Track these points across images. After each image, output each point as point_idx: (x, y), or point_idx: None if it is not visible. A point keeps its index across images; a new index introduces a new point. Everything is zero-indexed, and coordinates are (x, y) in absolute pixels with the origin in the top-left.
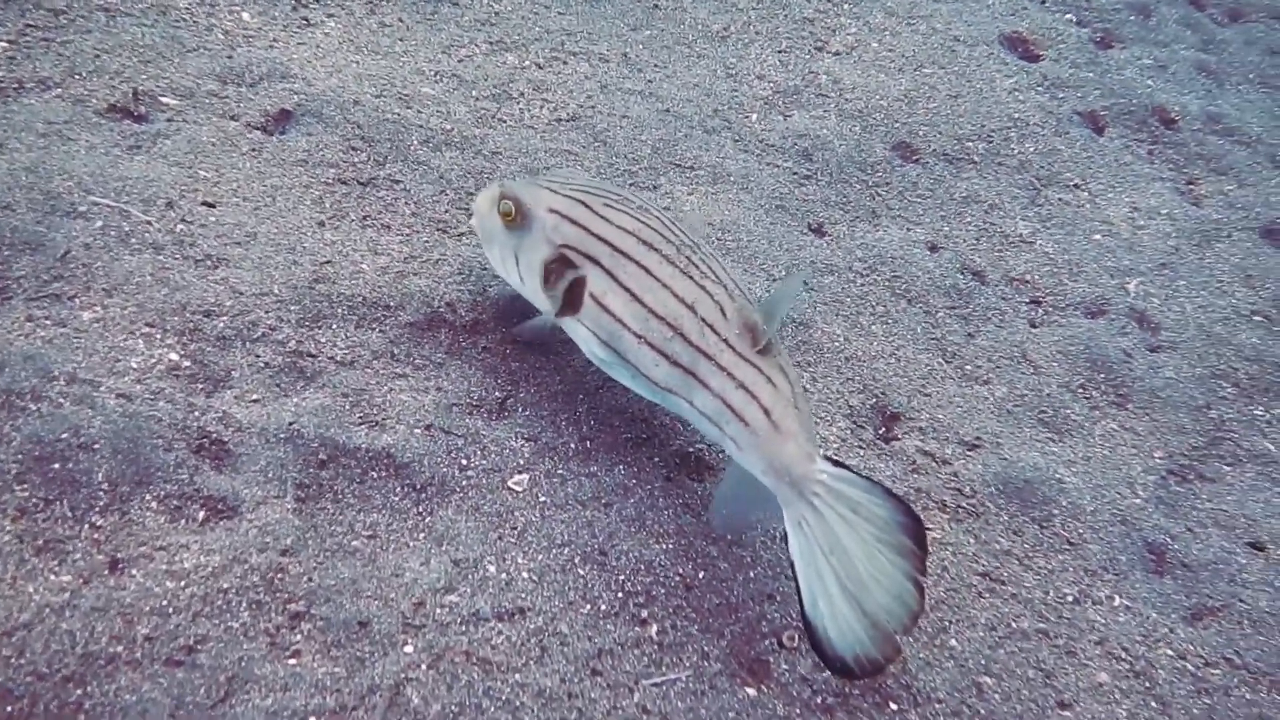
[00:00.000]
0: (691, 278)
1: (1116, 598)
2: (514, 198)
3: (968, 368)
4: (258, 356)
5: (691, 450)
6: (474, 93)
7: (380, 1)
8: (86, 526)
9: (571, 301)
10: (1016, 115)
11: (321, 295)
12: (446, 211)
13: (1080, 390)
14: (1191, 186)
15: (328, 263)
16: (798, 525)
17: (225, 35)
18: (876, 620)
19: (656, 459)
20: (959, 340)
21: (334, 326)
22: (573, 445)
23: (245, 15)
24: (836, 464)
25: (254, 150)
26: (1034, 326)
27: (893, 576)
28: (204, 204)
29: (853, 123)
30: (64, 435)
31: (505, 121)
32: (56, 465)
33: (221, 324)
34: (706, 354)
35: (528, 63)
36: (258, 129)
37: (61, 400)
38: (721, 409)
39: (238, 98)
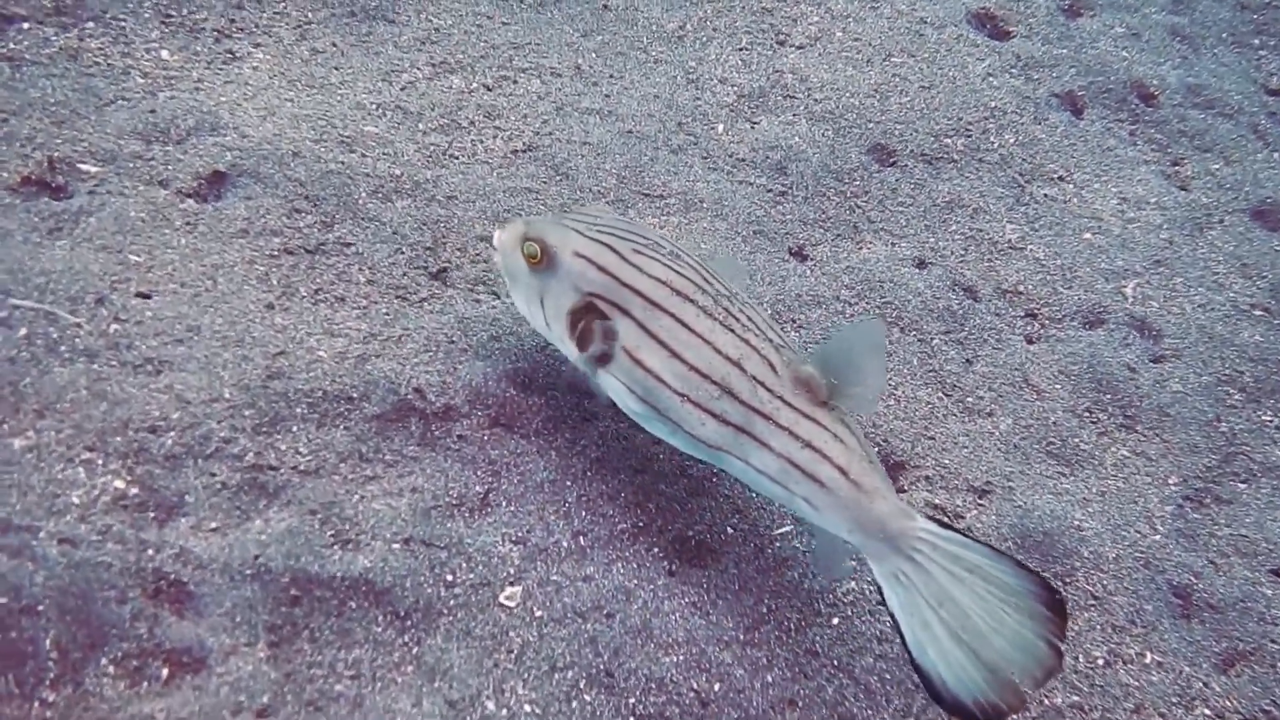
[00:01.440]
0: (733, 331)
1: (1148, 654)
2: (539, 239)
3: (969, 400)
4: (213, 476)
5: (691, 534)
6: (420, 125)
7: (310, 25)
8: (36, 704)
9: (606, 352)
10: (993, 104)
11: (277, 394)
12: (404, 275)
13: (1087, 415)
14: (1177, 168)
15: (281, 354)
16: (894, 578)
17: (145, 79)
18: (997, 669)
19: (656, 549)
20: (957, 369)
21: (294, 429)
22: (565, 544)
23: (164, 53)
24: (944, 525)
25: (188, 224)
26: (1031, 343)
27: (1019, 634)
28: (138, 295)
29: (824, 126)
30: (2, 600)
31: (457, 158)
32: None
33: (170, 441)
34: (761, 412)
35: (475, 84)
36: (190, 196)
37: None
38: (786, 469)
39: (165, 159)
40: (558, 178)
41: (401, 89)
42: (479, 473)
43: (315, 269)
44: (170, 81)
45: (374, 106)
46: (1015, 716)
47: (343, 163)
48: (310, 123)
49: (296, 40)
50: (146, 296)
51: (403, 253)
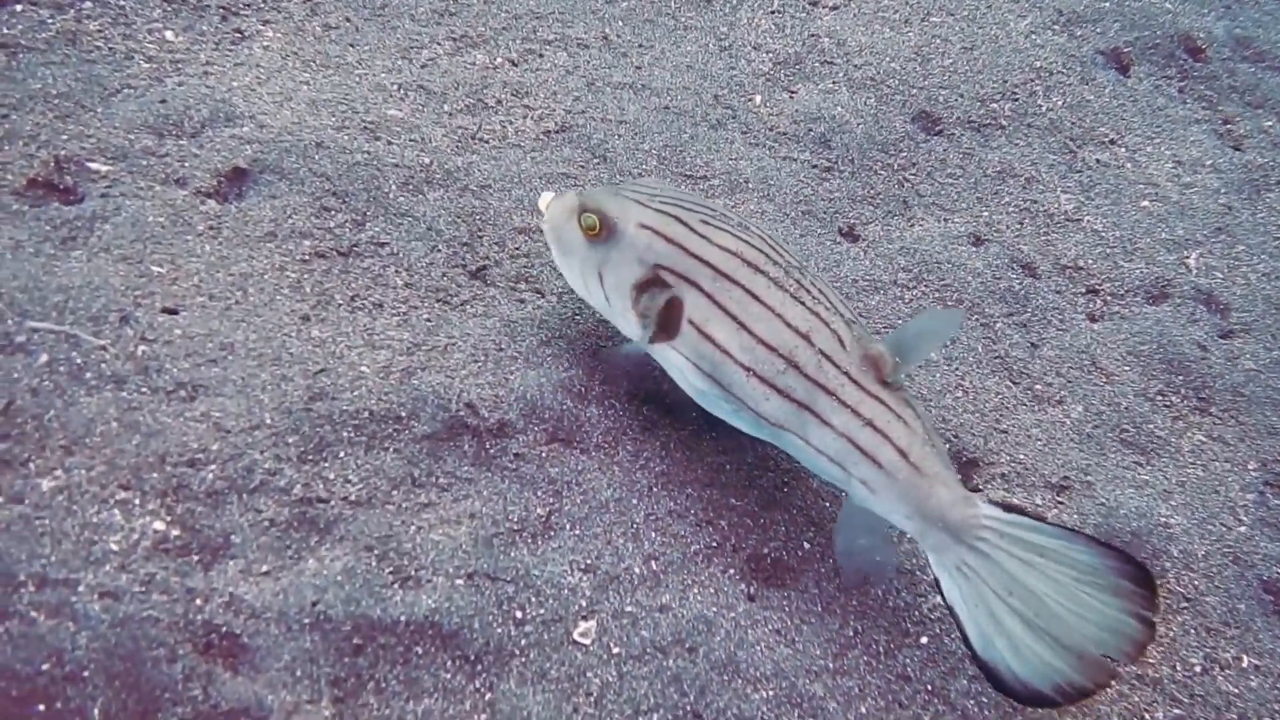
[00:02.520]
0: (804, 303)
1: (1244, 658)
2: (599, 210)
3: (1038, 388)
4: (259, 512)
5: (767, 551)
6: (446, 107)
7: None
8: None
9: (666, 326)
10: (1038, 64)
11: (321, 416)
12: (443, 275)
13: (1160, 398)
14: (1229, 127)
15: (321, 371)
16: (955, 570)
17: (150, 64)
18: (1081, 651)
19: (732, 571)
20: (1024, 355)
21: (341, 455)
22: (637, 569)
23: (169, 34)
24: (1010, 508)
25: (212, 228)
26: (1094, 321)
27: (1104, 613)
28: (165, 311)
29: (866, 94)
30: (44, 666)
31: (487, 141)
32: (41, 708)
33: (210, 475)
34: (826, 388)
35: (499, 60)
36: (211, 196)
37: (34, 614)
38: (846, 449)
39: (180, 155)
40: (595, 160)
41: (422, 67)
42: (539, 493)
43: (349, 273)
44: (177, 66)
45: (395, 87)
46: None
47: (369, 152)
48: (330, 108)
49: (307, 16)
50: (174, 312)
51: (439, 250)
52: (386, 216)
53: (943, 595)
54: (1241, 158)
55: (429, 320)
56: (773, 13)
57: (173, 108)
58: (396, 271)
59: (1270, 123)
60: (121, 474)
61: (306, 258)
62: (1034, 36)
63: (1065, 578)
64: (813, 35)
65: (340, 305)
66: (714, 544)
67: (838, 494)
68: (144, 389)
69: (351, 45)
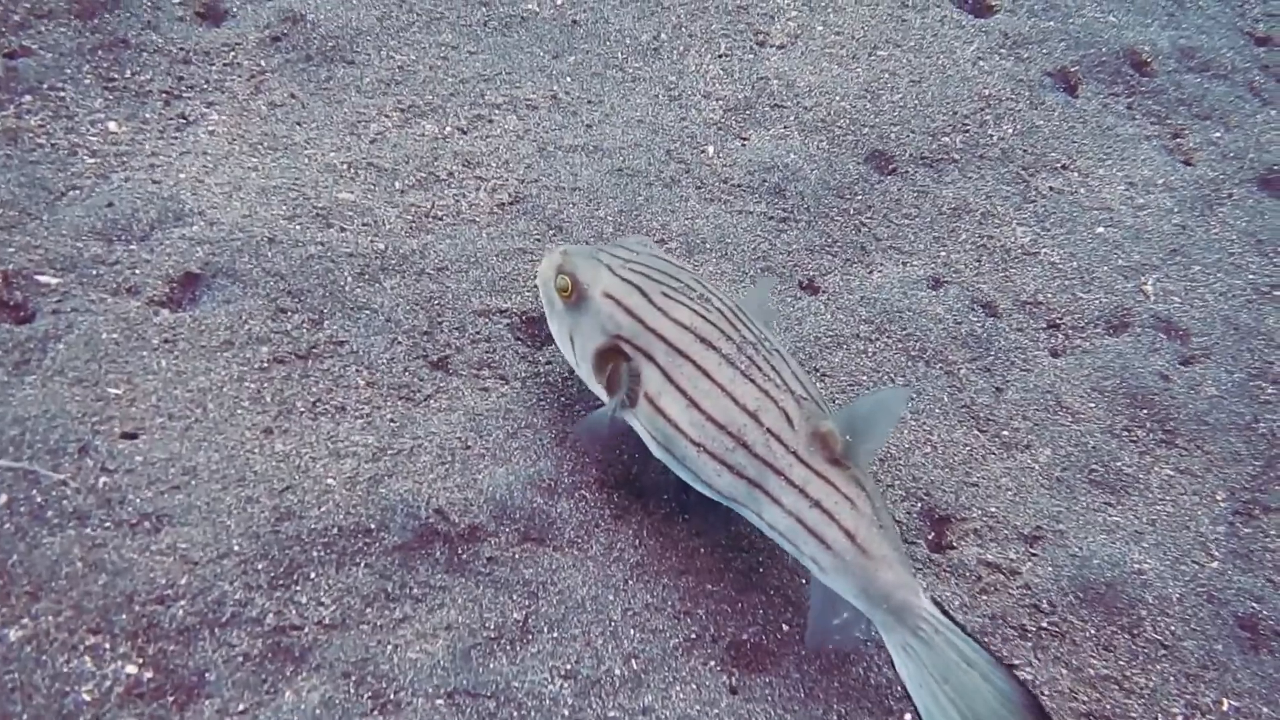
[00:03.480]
0: (754, 381)
1: (1224, 700)
2: (571, 274)
3: (1005, 434)
4: (233, 647)
5: (746, 637)
6: (398, 184)
7: (264, 75)
8: None
9: (629, 394)
10: (987, 92)
11: (289, 538)
12: (404, 370)
13: (1125, 433)
14: (1179, 140)
15: (287, 489)
16: (903, 649)
17: (95, 159)
18: None
19: (713, 662)
20: (989, 400)
21: (312, 576)
22: (617, 671)
23: (112, 124)
24: (946, 613)
25: (167, 340)
26: (1056, 356)
27: None
28: (124, 436)
29: (818, 137)
30: None
31: (441, 219)
32: None
33: (181, 611)
34: (774, 468)
35: (449, 129)
36: (164, 305)
37: None
38: (796, 528)
39: (131, 261)
40: (551, 231)
41: (371, 142)
42: (515, 597)
43: (309, 377)
44: (123, 159)
45: (345, 167)
46: None
47: (322, 243)
48: (280, 195)
49: (252, 94)
50: (133, 436)
51: (399, 343)
52: (344, 312)
53: (896, 666)
54: (1193, 173)
55: (393, 420)
56: (720, 56)
57: (120, 210)
58: (358, 370)
59: (1219, 134)
60: (90, 617)
61: (265, 365)
62: (981, 63)
63: (985, 692)
64: (762, 78)
65: (302, 413)
66: (693, 635)
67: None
68: (108, 523)
69: (298, 124)
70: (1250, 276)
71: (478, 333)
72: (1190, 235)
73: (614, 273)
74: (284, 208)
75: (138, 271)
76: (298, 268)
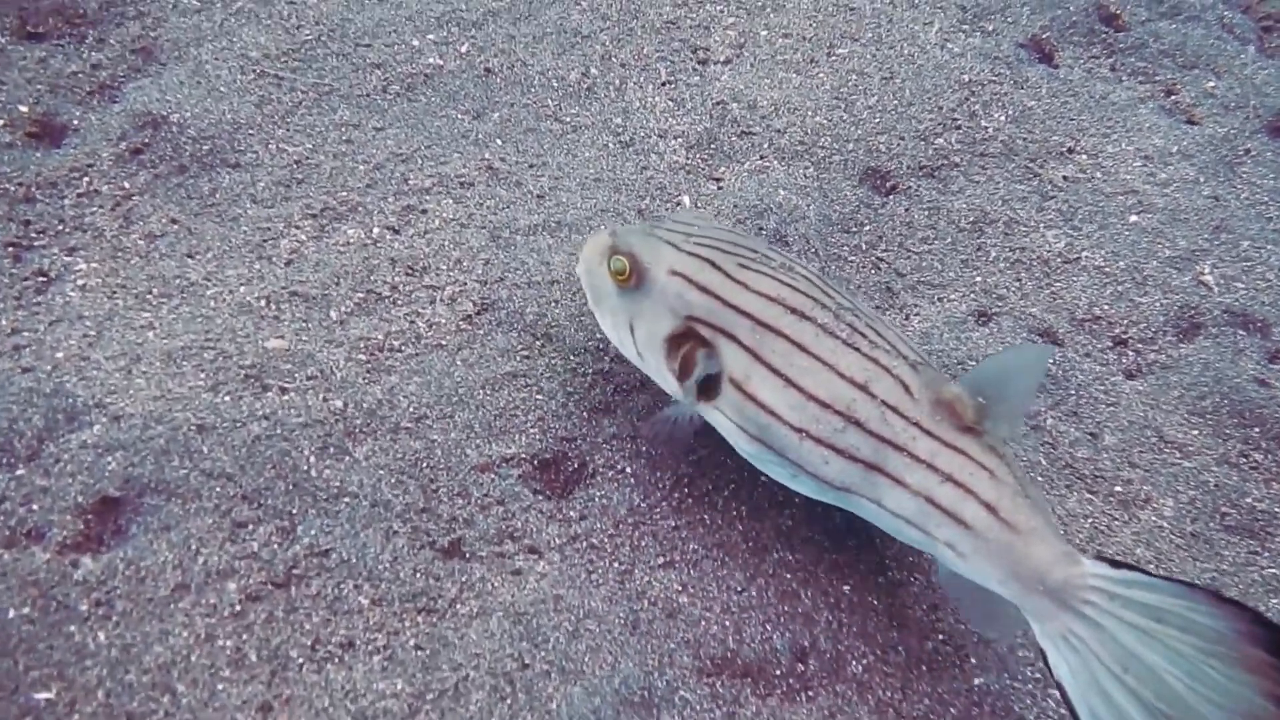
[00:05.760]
0: (859, 350)
1: None
2: (629, 254)
3: (1118, 489)
4: None
5: None
6: (333, 313)
7: (132, 198)
8: None
9: (707, 385)
10: (965, 77)
11: None
12: (413, 571)
13: (1243, 460)
14: (1174, 98)
15: None
16: (1061, 640)
17: None
18: None
19: None
20: (1089, 452)
21: None
22: None
23: None
24: (1118, 564)
25: (99, 604)
26: (1132, 378)
27: (1230, 690)
28: None
29: (801, 164)
30: None
31: (399, 349)
32: None
33: None
34: (894, 444)
35: (377, 230)
36: (81, 550)
37: None
38: (925, 510)
39: (23, 494)
40: (539, 341)
41: (287, 264)
42: None
43: (298, 611)
44: None
45: (263, 303)
46: None
47: (265, 416)
48: (193, 359)
49: (122, 228)
50: None
51: (396, 533)
52: (317, 507)
53: (1049, 669)
54: (1201, 132)
55: (419, 648)
56: (664, 84)
57: None
58: (356, 586)
59: (1211, 83)
60: None
61: (238, 608)
62: (949, 45)
63: (1188, 647)
64: (718, 102)
65: (301, 664)
66: None
67: None
68: None
69: (189, 256)
70: None
71: (485, 494)
72: (1226, 207)
73: (678, 249)
74: (202, 376)
75: (35, 508)
76: (244, 459)
